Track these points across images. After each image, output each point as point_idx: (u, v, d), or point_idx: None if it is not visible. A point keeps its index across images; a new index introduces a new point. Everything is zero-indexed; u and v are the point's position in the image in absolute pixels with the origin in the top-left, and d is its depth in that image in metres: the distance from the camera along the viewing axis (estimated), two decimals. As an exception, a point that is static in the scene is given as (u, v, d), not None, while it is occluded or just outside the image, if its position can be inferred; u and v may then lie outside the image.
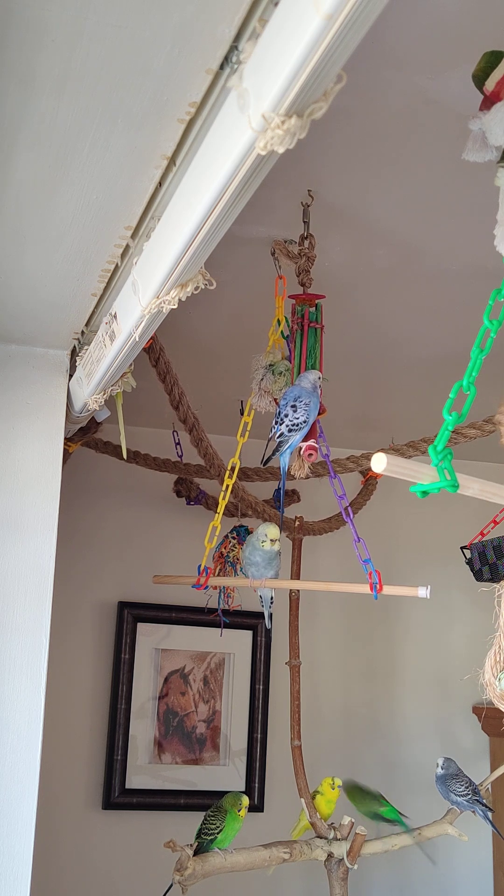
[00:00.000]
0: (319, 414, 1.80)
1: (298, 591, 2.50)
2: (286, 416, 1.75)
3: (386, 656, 3.36)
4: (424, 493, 1.12)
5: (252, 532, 2.08)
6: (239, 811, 2.11)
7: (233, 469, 1.93)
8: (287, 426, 1.75)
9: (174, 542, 3.10)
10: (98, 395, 1.75)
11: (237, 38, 0.94)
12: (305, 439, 1.78)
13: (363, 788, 2.41)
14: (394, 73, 1.41)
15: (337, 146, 1.61)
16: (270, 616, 2.13)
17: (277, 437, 1.77)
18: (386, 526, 3.36)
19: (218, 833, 2.08)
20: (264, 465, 1.87)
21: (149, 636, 3.07)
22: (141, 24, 0.94)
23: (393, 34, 1.32)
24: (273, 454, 1.80)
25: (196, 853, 2.07)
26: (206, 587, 1.99)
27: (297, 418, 1.74)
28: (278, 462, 1.86)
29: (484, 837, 3.26)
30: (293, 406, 1.74)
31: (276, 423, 1.77)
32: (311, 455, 1.77)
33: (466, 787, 2.33)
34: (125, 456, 2.26)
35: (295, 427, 1.74)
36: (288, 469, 1.86)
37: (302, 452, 1.78)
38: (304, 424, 1.74)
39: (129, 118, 1.10)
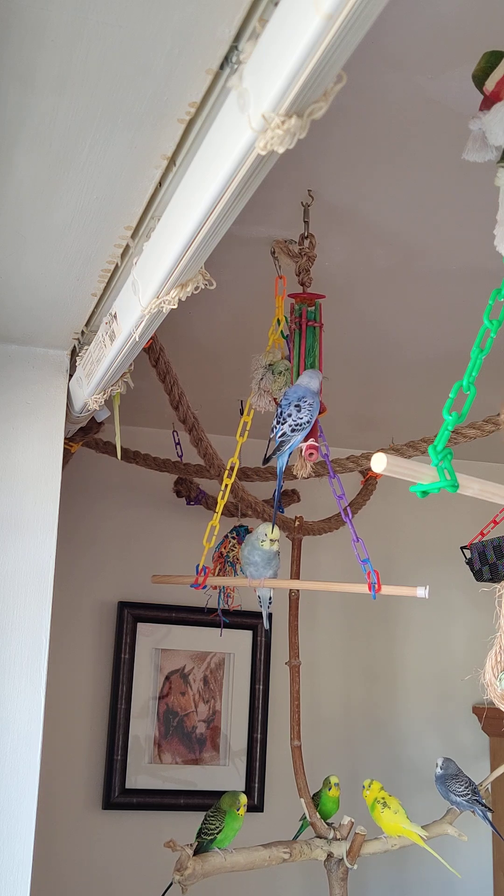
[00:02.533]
0: (319, 413, 1.80)
1: (298, 591, 2.50)
2: (289, 415, 1.73)
3: (386, 656, 3.36)
4: (424, 493, 1.12)
5: (252, 532, 2.08)
6: (238, 810, 2.11)
7: (232, 469, 1.93)
8: (290, 426, 1.74)
9: (174, 542, 3.10)
10: (98, 395, 1.75)
11: (237, 38, 0.94)
12: (306, 439, 1.77)
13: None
14: (394, 73, 1.41)
15: (337, 146, 1.61)
16: (269, 616, 2.13)
17: (279, 437, 1.76)
18: (386, 526, 3.36)
19: (217, 833, 2.08)
20: (265, 463, 1.86)
21: (149, 636, 3.07)
22: (141, 24, 0.94)
23: (393, 34, 1.32)
24: (274, 454, 1.79)
25: (196, 853, 2.07)
26: (205, 587, 1.99)
27: (301, 418, 1.73)
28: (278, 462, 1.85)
29: (484, 837, 3.26)
30: (297, 406, 1.73)
31: (279, 422, 1.75)
32: (311, 454, 1.77)
33: (466, 787, 2.33)
34: (119, 456, 2.26)
35: (298, 427, 1.74)
36: (290, 469, 1.86)
37: (303, 452, 1.77)
38: (306, 425, 1.74)
39: (129, 118, 1.10)
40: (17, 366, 1.90)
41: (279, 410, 1.76)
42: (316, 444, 1.77)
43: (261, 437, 1.87)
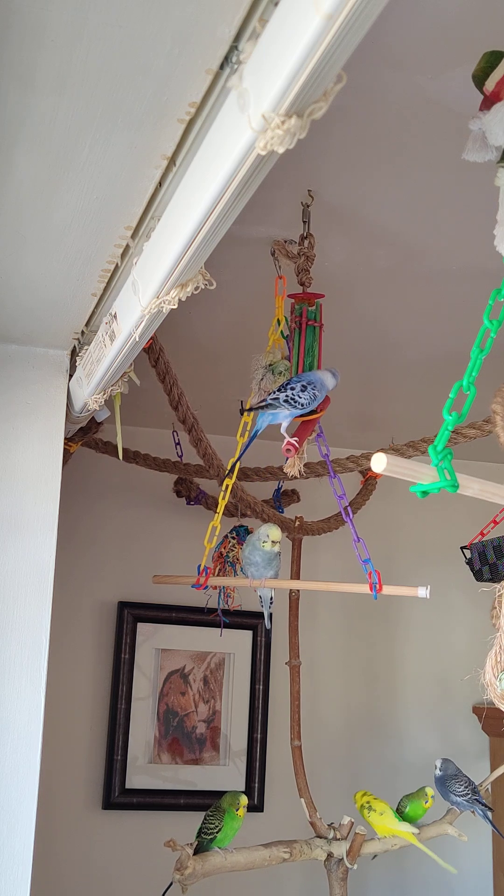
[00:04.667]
0: (317, 414, 1.80)
1: (298, 591, 2.50)
2: (292, 388, 1.72)
3: (386, 656, 3.36)
4: (424, 493, 1.12)
5: (252, 532, 2.08)
6: (237, 810, 2.11)
7: (232, 469, 1.93)
8: (286, 396, 1.72)
9: (174, 542, 3.10)
10: (98, 395, 1.75)
11: (237, 38, 0.94)
12: (298, 434, 1.77)
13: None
14: (394, 73, 1.41)
15: (337, 146, 1.61)
16: (270, 616, 2.13)
17: (270, 398, 1.74)
18: (386, 526, 3.36)
19: (217, 832, 2.08)
20: (242, 412, 1.84)
21: (149, 636, 3.07)
22: (141, 24, 0.94)
23: (393, 34, 1.32)
24: (255, 408, 1.77)
25: (196, 852, 2.07)
26: (206, 587, 1.99)
27: (300, 398, 1.72)
28: (267, 425, 1.82)
29: (484, 837, 3.26)
30: (304, 387, 1.72)
31: (280, 389, 1.74)
32: (288, 451, 1.75)
33: (466, 787, 2.33)
34: (121, 456, 2.27)
35: (291, 402, 1.72)
36: (282, 467, 1.86)
37: (282, 447, 1.76)
38: (299, 407, 1.72)
39: (129, 118, 1.10)
40: (17, 366, 1.90)
41: (286, 382, 1.74)
42: (296, 443, 1.75)
43: (260, 437, 1.87)
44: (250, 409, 1.78)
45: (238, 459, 1.90)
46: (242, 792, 2.20)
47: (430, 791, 2.34)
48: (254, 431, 1.82)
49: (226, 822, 2.09)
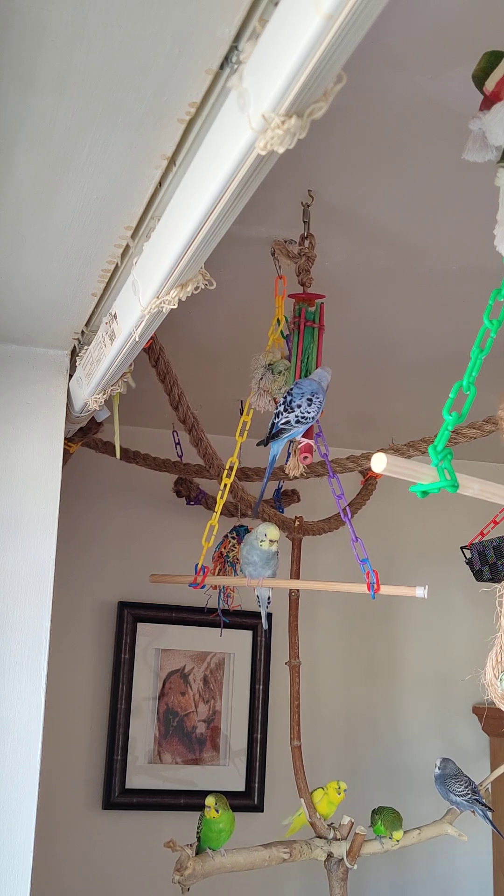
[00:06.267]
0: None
1: (298, 590, 2.50)
2: (299, 406, 1.72)
3: (386, 656, 3.36)
4: (424, 493, 1.11)
5: (251, 531, 2.08)
6: (207, 814, 2.09)
7: (231, 468, 1.93)
8: (296, 416, 1.73)
9: (174, 542, 3.10)
10: (98, 395, 1.75)
11: (237, 38, 0.94)
12: (305, 436, 1.77)
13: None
14: (394, 73, 1.41)
15: (337, 146, 1.61)
16: (268, 616, 2.13)
17: (282, 424, 1.75)
18: (386, 526, 3.36)
19: (198, 831, 2.09)
20: (259, 444, 1.85)
21: (149, 636, 3.07)
22: (141, 24, 0.94)
23: (393, 34, 1.32)
24: (271, 440, 1.78)
25: (197, 853, 2.07)
26: (204, 586, 1.99)
27: (308, 413, 1.72)
28: (283, 450, 1.84)
29: (484, 837, 3.26)
30: (309, 399, 1.73)
31: (286, 410, 1.74)
32: (306, 458, 1.76)
33: (466, 787, 2.33)
34: (118, 455, 2.26)
35: (302, 420, 1.73)
36: (283, 467, 1.86)
37: (298, 455, 1.77)
38: (310, 420, 1.74)
39: (129, 118, 1.10)
40: (17, 366, 1.90)
41: (289, 398, 1.74)
42: (312, 445, 1.77)
43: (260, 437, 1.87)
44: (266, 442, 1.79)
45: (262, 491, 1.94)
46: (219, 793, 2.16)
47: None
48: (272, 457, 1.83)
49: (204, 823, 2.09)
